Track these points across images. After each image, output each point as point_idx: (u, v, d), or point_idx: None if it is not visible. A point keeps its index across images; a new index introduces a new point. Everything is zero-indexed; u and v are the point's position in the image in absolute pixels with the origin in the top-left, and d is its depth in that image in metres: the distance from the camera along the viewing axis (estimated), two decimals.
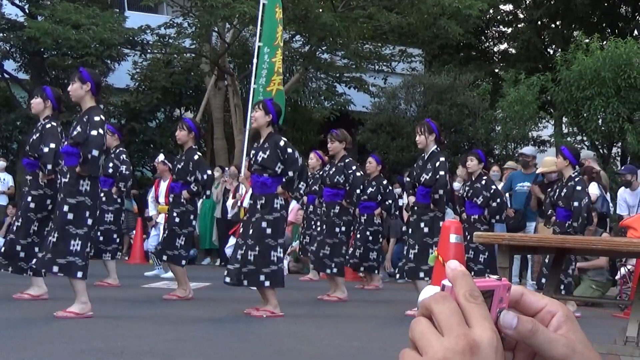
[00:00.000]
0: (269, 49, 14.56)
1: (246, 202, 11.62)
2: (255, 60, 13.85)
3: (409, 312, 8.27)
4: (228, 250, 11.78)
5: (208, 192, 9.66)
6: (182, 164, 9.28)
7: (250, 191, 11.62)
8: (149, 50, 21.77)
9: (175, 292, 9.27)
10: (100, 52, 19.80)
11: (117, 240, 10.67)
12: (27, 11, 20.72)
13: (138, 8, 23.39)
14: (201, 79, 22.25)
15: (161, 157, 12.90)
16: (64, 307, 7.11)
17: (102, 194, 10.26)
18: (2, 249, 8.47)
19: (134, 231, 16.09)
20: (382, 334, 7.26)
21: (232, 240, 11.71)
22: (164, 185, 12.64)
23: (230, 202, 12.06)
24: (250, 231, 7.82)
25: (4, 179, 17.70)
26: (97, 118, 7.15)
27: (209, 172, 9.47)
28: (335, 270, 9.94)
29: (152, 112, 22.86)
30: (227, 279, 7.88)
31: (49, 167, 8.20)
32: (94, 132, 7.07)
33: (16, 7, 20.73)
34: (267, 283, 7.73)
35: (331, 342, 6.64)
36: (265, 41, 14.54)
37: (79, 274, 7.05)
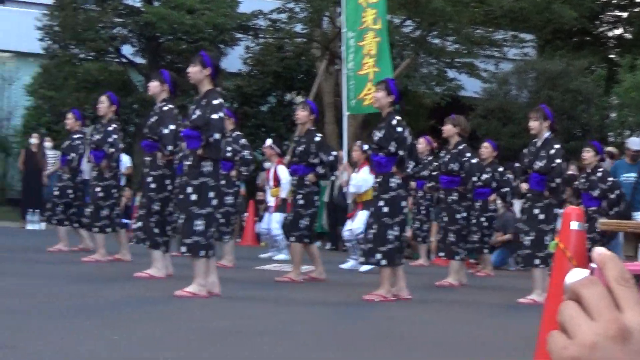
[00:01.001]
0: (353, 33, 14.68)
1: (350, 188, 11.70)
2: (344, 48, 13.92)
3: (521, 300, 8.22)
4: (346, 233, 11.88)
5: (337, 173, 9.76)
6: (303, 146, 9.32)
7: (352, 177, 11.73)
8: (261, 35, 22.04)
9: (289, 274, 9.39)
10: (213, 37, 20.16)
11: (235, 222, 10.93)
12: None
13: None
14: (312, 63, 22.41)
15: (269, 141, 13.06)
16: (184, 286, 7.31)
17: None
18: (139, 225, 8.77)
19: (246, 213, 16.37)
20: (492, 321, 7.25)
21: (349, 223, 11.82)
22: (272, 169, 12.83)
23: (340, 182, 12.18)
24: (371, 210, 7.97)
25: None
26: (216, 101, 7.27)
27: (334, 153, 9.57)
28: (463, 256, 9.98)
29: (263, 96, 23.17)
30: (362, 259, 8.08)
31: (169, 148, 8.44)
32: (214, 116, 7.19)
33: None
34: (383, 262, 7.79)
35: (441, 327, 6.67)
36: (350, 26, 14.68)
37: (202, 253, 7.20)
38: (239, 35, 21.43)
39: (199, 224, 7.17)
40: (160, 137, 8.50)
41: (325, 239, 16.83)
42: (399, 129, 7.85)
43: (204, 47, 19.92)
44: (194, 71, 7.38)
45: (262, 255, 12.84)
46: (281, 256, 12.58)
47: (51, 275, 8.65)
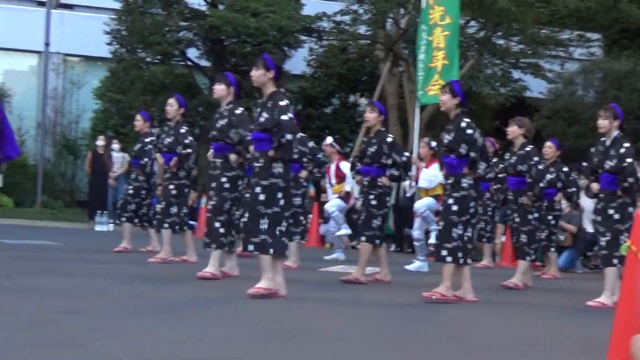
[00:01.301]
0: (425, 26, 14.84)
1: (421, 182, 11.70)
2: (418, 40, 14.02)
3: (590, 303, 8.12)
4: (415, 233, 11.89)
5: (411, 174, 9.75)
6: (374, 147, 9.31)
7: (422, 171, 11.72)
8: (324, 37, 22.11)
9: (354, 274, 9.40)
10: (277, 39, 20.28)
11: (304, 223, 11.00)
12: (209, 0, 21.44)
13: None
14: (376, 65, 22.41)
15: (329, 139, 13.10)
16: (248, 286, 7.36)
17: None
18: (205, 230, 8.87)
19: (311, 215, 16.43)
20: (556, 324, 7.18)
21: (417, 222, 11.83)
22: (332, 167, 12.90)
23: (406, 183, 12.18)
24: (441, 208, 8.02)
25: None
26: (283, 103, 7.31)
27: (407, 153, 9.59)
28: (534, 257, 9.94)
29: (327, 98, 23.24)
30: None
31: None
32: (284, 117, 7.22)
33: None
34: (448, 259, 7.79)
35: (503, 330, 6.63)
36: (423, 20, 14.86)
37: (271, 251, 7.24)
38: (302, 38, 21.53)
39: (264, 223, 7.21)
40: (241, 141, 8.55)
41: (390, 240, 16.83)
42: (469, 131, 7.87)
43: (268, 49, 20.07)
44: (258, 74, 7.43)
45: (327, 257, 12.90)
46: (332, 257, 12.75)
47: (118, 275, 8.79)
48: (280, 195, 7.30)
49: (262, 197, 7.24)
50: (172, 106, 10.50)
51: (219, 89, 8.89)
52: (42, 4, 22.95)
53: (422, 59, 14.63)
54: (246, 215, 7.31)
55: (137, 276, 8.77)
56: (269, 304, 7.00)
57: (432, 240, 11.59)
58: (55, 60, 23.28)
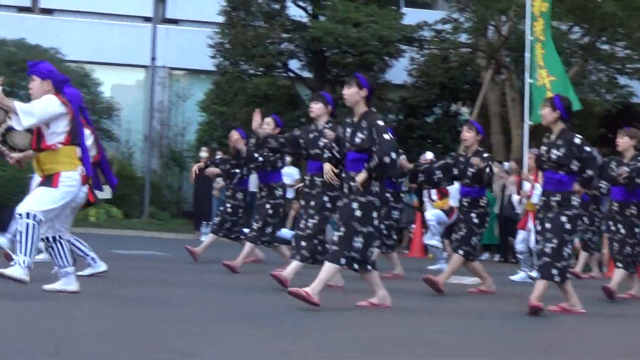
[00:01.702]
0: (531, 39, 14.47)
1: (535, 198, 11.56)
2: (528, 54, 13.71)
3: None
4: (519, 246, 11.78)
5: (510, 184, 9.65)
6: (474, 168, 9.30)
7: (537, 186, 11.56)
8: (425, 46, 22.06)
9: (480, 286, 9.42)
10: (379, 49, 20.32)
11: (394, 236, 11.07)
12: (311, 12, 21.64)
13: (415, 4, 23.82)
14: (477, 73, 22.24)
15: (429, 155, 13.05)
16: (356, 298, 7.40)
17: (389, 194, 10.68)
18: (305, 244, 8.83)
19: (414, 225, 16.43)
20: None
21: (521, 234, 11.72)
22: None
23: (515, 197, 12.04)
24: (549, 225, 7.76)
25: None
26: (380, 122, 7.31)
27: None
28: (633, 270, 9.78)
29: (429, 107, 23.16)
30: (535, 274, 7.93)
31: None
32: (386, 137, 7.22)
33: (300, 8, 21.71)
34: (557, 278, 7.69)
35: (610, 341, 6.53)
36: (531, 33, 14.46)
37: (355, 266, 7.29)
38: (403, 47, 21.51)
39: (358, 241, 7.19)
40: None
41: (494, 250, 16.68)
42: (587, 149, 7.74)
43: (369, 59, 20.20)
44: (351, 92, 7.41)
45: (431, 267, 12.85)
46: (436, 267, 12.67)
47: (222, 285, 8.95)
48: (375, 214, 7.27)
49: (358, 213, 7.20)
50: (269, 125, 10.56)
51: (317, 108, 8.97)
52: (148, 20, 23.52)
53: (536, 77, 14.21)
54: (342, 229, 7.24)
55: (242, 286, 8.91)
56: (375, 314, 7.04)
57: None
58: (161, 74, 23.82)
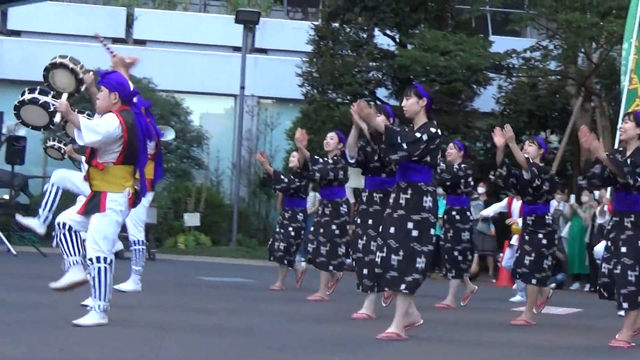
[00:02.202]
0: (627, 44, 14.13)
1: None
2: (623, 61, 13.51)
3: None
4: None
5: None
6: (547, 184, 9.05)
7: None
8: (514, 74, 21.89)
9: (522, 316, 9.19)
10: (466, 78, 20.26)
11: (467, 259, 10.80)
12: (398, 40, 21.70)
13: (503, 32, 23.63)
14: (567, 101, 21.95)
15: (480, 189, 12.86)
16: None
17: (455, 213, 10.54)
18: (367, 272, 8.64)
19: (502, 254, 16.24)
20: None
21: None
22: (516, 205, 12.65)
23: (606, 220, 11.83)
24: (624, 249, 7.45)
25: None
26: (432, 129, 7.00)
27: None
28: None
29: (517, 135, 22.89)
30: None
31: None
32: (417, 134, 6.96)
33: (388, 37, 21.81)
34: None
35: None
36: (626, 37, 14.14)
37: (415, 292, 7.00)
38: (491, 75, 21.39)
39: (421, 262, 6.87)
40: None
41: (584, 281, 16.38)
42: None
43: (457, 88, 20.16)
44: (410, 103, 7.12)
45: (513, 299, 12.45)
46: (517, 298, 12.34)
47: (283, 313, 8.97)
48: (432, 231, 6.99)
49: (415, 233, 6.88)
50: (333, 139, 10.52)
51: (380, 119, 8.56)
52: (237, 50, 23.87)
53: (625, 83, 13.86)
54: (400, 252, 6.91)
55: (298, 314, 8.91)
56: (419, 346, 6.97)
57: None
58: (249, 103, 24.12)
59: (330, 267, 10.51)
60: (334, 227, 10.41)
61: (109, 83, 6.97)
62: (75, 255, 6.91)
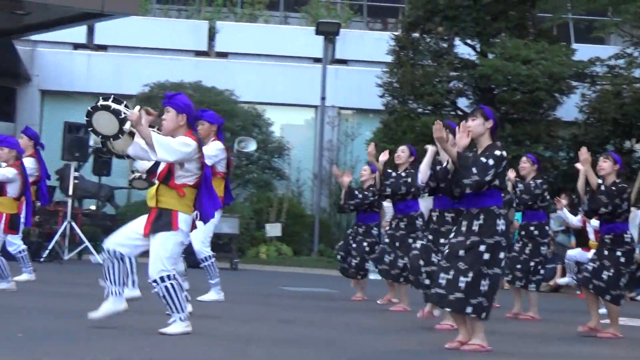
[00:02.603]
0: None
1: None
2: None
3: None
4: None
5: None
6: (626, 205, 8.82)
7: None
8: (597, 82, 21.56)
9: (609, 329, 9.03)
10: (549, 86, 20.02)
11: (542, 272, 10.68)
12: (479, 50, 21.58)
13: (586, 40, 23.32)
14: None
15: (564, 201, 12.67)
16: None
17: (534, 228, 10.45)
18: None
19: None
20: None
21: None
22: (594, 223, 12.44)
23: None
24: None
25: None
26: (497, 152, 6.95)
27: None
28: None
29: (601, 144, 22.49)
30: None
31: None
32: (482, 160, 6.89)
33: (468, 46, 21.70)
34: None
35: None
36: None
37: (483, 315, 6.88)
38: (575, 83, 21.11)
39: (485, 285, 6.82)
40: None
41: None
42: None
43: (539, 97, 19.95)
44: (475, 124, 7.09)
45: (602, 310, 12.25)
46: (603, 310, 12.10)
47: (365, 324, 8.98)
48: (502, 255, 6.93)
49: (486, 256, 6.84)
50: (404, 153, 10.55)
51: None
52: (318, 61, 24.02)
53: None
54: (469, 274, 6.83)
55: (373, 326, 8.91)
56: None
57: None
58: (330, 114, 24.23)
59: (401, 280, 10.54)
60: (410, 240, 10.37)
61: (176, 104, 6.94)
62: (118, 285, 6.98)
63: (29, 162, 10.92)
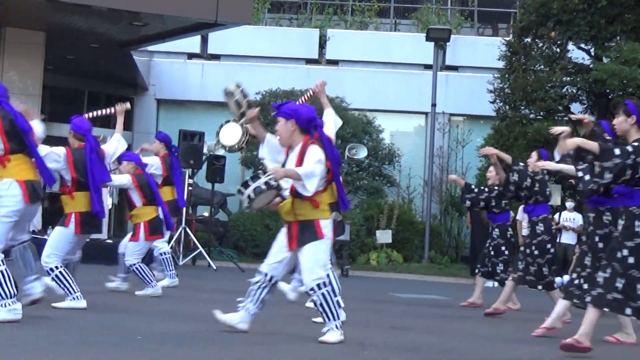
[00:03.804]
0: None
1: None
2: None
3: None
4: None
5: None
6: None
7: None
8: None
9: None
10: None
11: None
12: (593, 54, 21.16)
13: None
14: None
15: None
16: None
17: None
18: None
19: None
20: None
21: None
22: None
23: None
24: None
25: (573, 219, 18.25)
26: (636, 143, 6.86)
27: None
28: None
29: None
30: None
31: None
32: (616, 151, 6.79)
33: (582, 50, 21.30)
34: None
35: None
36: None
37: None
38: None
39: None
40: None
41: None
42: None
43: None
44: (619, 121, 7.05)
45: None
46: None
47: (480, 331, 8.89)
48: None
49: (631, 260, 6.78)
50: (532, 158, 10.40)
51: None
52: (428, 67, 23.94)
53: None
54: (622, 280, 6.78)
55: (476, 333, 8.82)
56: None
57: None
58: (440, 120, 24.12)
59: (539, 287, 10.38)
60: (549, 246, 10.20)
61: (284, 112, 7.04)
62: (255, 306, 7.08)
63: (152, 160, 11.28)
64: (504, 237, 11.72)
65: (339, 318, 6.94)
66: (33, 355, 5.56)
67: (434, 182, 23.45)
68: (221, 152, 19.36)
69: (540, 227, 10.18)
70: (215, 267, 16.68)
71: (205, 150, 18.75)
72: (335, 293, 7.06)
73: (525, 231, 14.97)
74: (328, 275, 7.00)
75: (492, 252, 11.73)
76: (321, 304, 6.86)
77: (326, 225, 6.94)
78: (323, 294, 6.84)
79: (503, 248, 11.68)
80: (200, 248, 17.00)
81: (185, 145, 17.69)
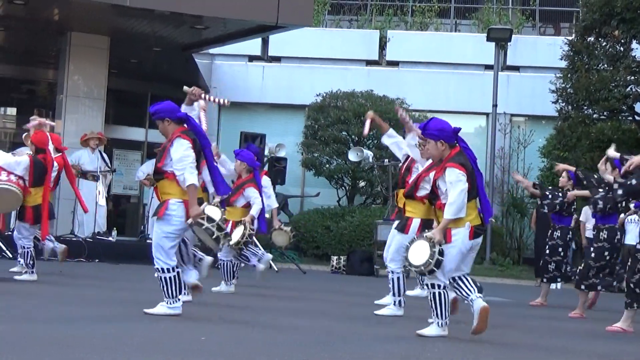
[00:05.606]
0: None
1: None
2: None
3: None
4: None
5: None
6: None
7: None
8: None
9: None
10: None
11: None
12: None
13: None
14: None
15: None
16: None
17: None
18: None
19: None
20: None
21: None
22: None
23: None
24: None
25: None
26: None
27: None
28: None
29: None
30: None
31: None
32: None
33: None
34: None
35: None
36: None
37: None
38: None
39: None
40: None
41: None
42: None
43: None
44: None
45: None
46: None
47: (541, 329, 8.84)
48: None
49: None
50: (563, 178, 10.53)
51: None
52: (489, 68, 23.79)
53: None
54: None
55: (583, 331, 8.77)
56: None
57: None
58: (501, 121, 23.96)
59: (582, 287, 10.36)
60: (591, 250, 10.29)
61: (431, 134, 7.45)
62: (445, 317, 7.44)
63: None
64: (563, 240, 11.88)
65: (447, 317, 7.37)
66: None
67: (496, 184, 23.30)
68: (282, 153, 19.49)
69: (603, 234, 10.36)
70: (277, 269, 16.78)
71: (266, 152, 18.87)
72: (448, 297, 7.40)
73: (588, 232, 14.90)
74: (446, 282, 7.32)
75: (547, 251, 11.92)
76: (432, 300, 7.31)
77: (457, 233, 7.29)
78: (434, 294, 7.28)
79: (560, 249, 11.79)
80: (262, 250, 17.08)
81: (246, 147, 17.76)
